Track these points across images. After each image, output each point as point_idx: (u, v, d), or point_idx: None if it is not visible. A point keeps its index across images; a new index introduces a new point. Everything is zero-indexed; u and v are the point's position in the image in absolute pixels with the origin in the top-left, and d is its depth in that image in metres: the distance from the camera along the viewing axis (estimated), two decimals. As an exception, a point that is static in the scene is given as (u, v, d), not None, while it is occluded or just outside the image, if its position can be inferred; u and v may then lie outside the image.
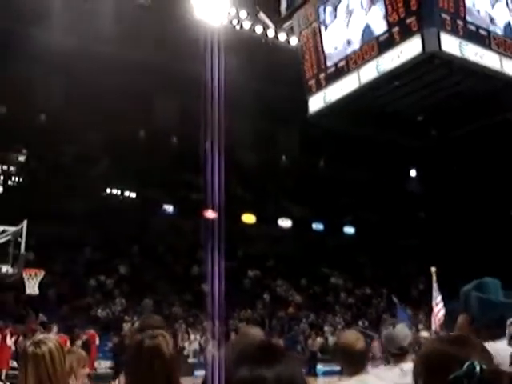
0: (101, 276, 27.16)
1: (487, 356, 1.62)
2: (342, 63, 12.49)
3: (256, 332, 4.23)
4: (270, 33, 18.00)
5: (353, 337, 4.01)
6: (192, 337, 23.10)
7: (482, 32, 11.21)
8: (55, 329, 17.50)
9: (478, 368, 1.52)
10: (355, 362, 3.83)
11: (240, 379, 1.14)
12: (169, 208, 32.46)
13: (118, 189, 31.77)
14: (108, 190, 31.63)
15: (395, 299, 15.95)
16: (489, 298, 3.32)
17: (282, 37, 17.88)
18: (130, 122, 29.29)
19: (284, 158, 37.34)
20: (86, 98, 27.45)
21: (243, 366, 1.16)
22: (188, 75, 25.55)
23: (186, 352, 22.41)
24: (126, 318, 23.81)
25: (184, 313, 26.45)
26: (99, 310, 24.86)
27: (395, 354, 4.14)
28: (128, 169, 30.29)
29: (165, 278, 28.59)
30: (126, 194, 31.96)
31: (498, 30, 11.63)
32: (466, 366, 1.53)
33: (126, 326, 21.45)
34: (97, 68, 25.27)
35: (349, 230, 38.10)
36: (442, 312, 13.08)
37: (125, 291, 26.72)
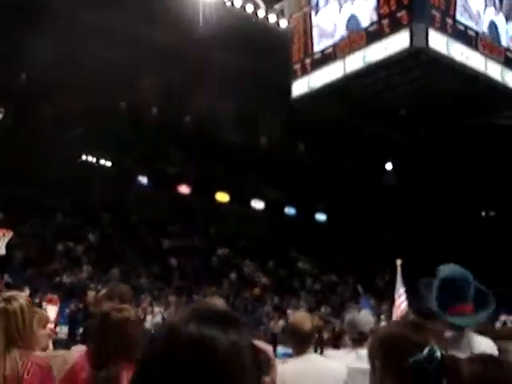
0: (70, 242, 26.98)
1: (444, 342, 1.64)
2: (329, 50, 12.52)
3: (218, 302, 4.28)
4: (261, 13, 17.85)
5: (302, 318, 4.12)
6: (156, 309, 23.10)
7: (471, 32, 11.30)
8: (27, 291, 17.40)
9: (438, 353, 1.55)
10: (302, 341, 3.94)
11: (187, 335, 1.09)
12: (143, 179, 32.31)
13: (93, 156, 31.52)
14: (84, 157, 31.35)
15: (360, 288, 16.14)
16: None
17: (272, 18, 17.76)
18: (111, 91, 28.92)
19: (264, 139, 37.27)
20: (69, 63, 27.04)
21: (192, 322, 1.11)
22: (174, 49, 25.34)
23: (147, 324, 22.45)
24: (92, 285, 23.74)
25: (150, 285, 26.44)
26: (65, 276, 24.72)
27: (355, 339, 4.22)
28: (105, 137, 30.01)
29: (134, 248, 28.52)
30: (102, 162, 31.72)
31: (487, 32, 11.71)
32: (426, 350, 1.55)
33: (91, 294, 21.38)
34: (83, 35, 24.91)
35: (320, 216, 38.33)
36: (405, 304, 13.24)
37: (92, 259, 26.59)
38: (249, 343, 1.16)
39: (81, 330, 15.03)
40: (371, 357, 1.74)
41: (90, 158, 31.53)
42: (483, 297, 3.08)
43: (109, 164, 31.84)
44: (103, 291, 3.91)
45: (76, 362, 3.10)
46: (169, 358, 1.10)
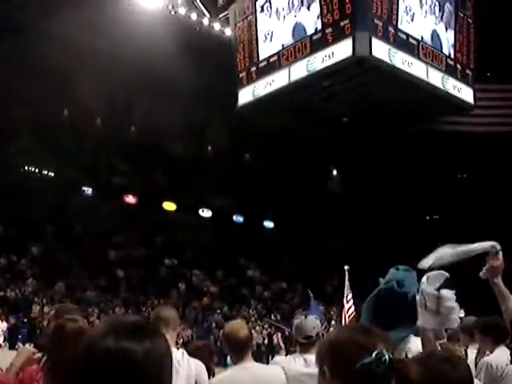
0: (13, 255, 26.27)
1: (391, 346, 1.66)
2: (274, 58, 12.58)
3: (168, 314, 4.24)
4: (205, 21, 17.84)
5: (237, 325, 4.12)
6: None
7: (412, 41, 11.54)
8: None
9: (386, 356, 1.56)
10: (239, 349, 3.94)
11: (104, 350, 1.12)
12: (88, 190, 31.77)
13: (36, 167, 30.80)
14: (26, 168, 30.61)
15: (311, 294, 16.22)
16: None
17: (217, 27, 17.78)
18: (55, 101, 28.42)
19: (210, 148, 37.22)
20: (11, 71, 26.47)
21: (109, 337, 1.14)
22: (118, 58, 25.08)
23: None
24: (36, 299, 23.19)
25: (97, 298, 25.97)
26: (8, 291, 24.04)
27: (302, 344, 4.24)
28: (49, 147, 29.42)
29: (79, 261, 27.99)
30: (45, 172, 31.03)
31: (428, 40, 11.99)
32: (374, 354, 1.56)
33: (36, 308, 20.94)
34: (25, 41, 24.44)
35: (268, 224, 38.45)
36: (353, 309, 13.42)
37: (36, 272, 25.96)
38: (165, 351, 1.19)
39: (28, 345, 14.91)
40: (320, 361, 1.73)
41: (33, 169, 30.78)
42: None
43: (51, 174, 31.17)
44: (52, 312, 3.84)
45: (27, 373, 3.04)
46: (88, 372, 1.13)
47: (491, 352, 4.59)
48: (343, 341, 1.67)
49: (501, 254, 3.08)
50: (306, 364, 4.03)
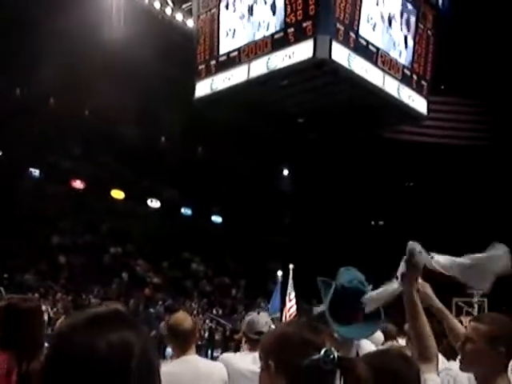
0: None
1: (336, 344, 1.69)
2: (235, 54, 12.57)
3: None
4: (168, 11, 17.70)
5: (181, 316, 4.10)
6: (43, 307, 22.29)
7: (372, 48, 11.71)
8: None
9: (334, 354, 1.58)
10: (182, 340, 3.90)
11: (72, 346, 1.10)
12: (35, 172, 31.07)
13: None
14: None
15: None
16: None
17: (179, 17, 17.67)
18: (6, 79, 27.69)
19: (163, 138, 36.93)
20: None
21: (75, 334, 1.12)
22: (77, 39, 24.60)
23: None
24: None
25: (37, 282, 25.46)
26: None
27: (252, 340, 4.24)
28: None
29: (21, 244, 27.35)
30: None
31: (387, 48, 12.17)
32: (323, 351, 1.58)
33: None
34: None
35: (217, 219, 38.41)
36: (294, 308, 13.52)
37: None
38: (144, 341, 1.15)
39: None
40: (264, 355, 1.73)
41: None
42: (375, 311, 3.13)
43: (-1, 153, 30.36)
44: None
45: None
46: (62, 368, 1.10)
47: None
48: (291, 336, 1.67)
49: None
50: (254, 361, 4.03)
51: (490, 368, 2.60)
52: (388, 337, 5.89)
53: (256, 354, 4.10)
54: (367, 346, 3.45)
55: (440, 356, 4.49)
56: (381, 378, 2.17)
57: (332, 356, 1.58)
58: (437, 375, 2.50)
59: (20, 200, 29.16)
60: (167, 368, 3.92)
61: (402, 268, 2.75)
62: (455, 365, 4.50)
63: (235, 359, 4.22)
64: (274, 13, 11.70)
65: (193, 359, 3.95)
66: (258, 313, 4.42)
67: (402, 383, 2.14)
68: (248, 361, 4.07)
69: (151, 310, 27.33)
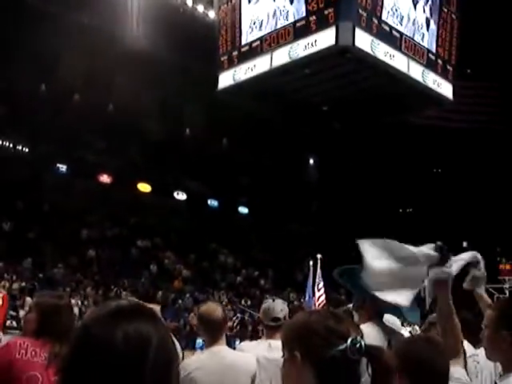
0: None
1: (361, 333, 1.67)
2: (257, 43, 12.50)
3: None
4: (189, 2, 17.70)
5: (212, 306, 4.10)
6: (73, 301, 22.56)
7: (395, 33, 11.55)
8: None
9: (361, 343, 1.56)
10: (213, 330, 3.91)
11: (90, 338, 1.14)
12: (62, 167, 31.41)
13: (11, 142, 30.28)
14: (1, 142, 30.09)
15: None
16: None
17: (201, 8, 17.65)
18: (32, 75, 27.98)
19: (188, 131, 37.04)
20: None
21: (94, 326, 1.15)
22: (100, 35, 24.72)
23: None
24: (6, 276, 22.93)
25: (67, 277, 25.79)
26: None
27: (269, 327, 4.24)
28: (25, 122, 29.00)
29: (50, 238, 27.70)
30: (19, 147, 30.55)
31: (411, 34, 12.01)
32: (350, 340, 1.56)
33: (6, 285, 20.77)
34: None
35: (243, 210, 38.45)
36: (323, 297, 13.50)
37: (5, 249, 25.64)
38: (162, 334, 1.18)
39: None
40: (289, 345, 1.70)
41: (7, 143, 30.26)
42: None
43: (26, 150, 30.72)
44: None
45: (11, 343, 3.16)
46: (80, 358, 1.13)
47: None
48: (315, 325, 1.66)
49: (482, 264, 3.10)
50: (269, 348, 4.03)
51: (502, 353, 2.58)
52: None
53: (272, 341, 4.11)
54: (370, 334, 3.44)
55: (466, 343, 4.48)
56: (408, 366, 2.19)
57: (359, 345, 1.56)
58: (462, 368, 2.52)
59: (48, 195, 29.54)
60: (196, 357, 3.94)
61: (436, 274, 2.77)
62: (482, 351, 4.51)
63: (249, 347, 4.24)
64: (291, 2, 11.61)
65: (222, 350, 3.95)
66: (274, 300, 4.42)
67: (430, 370, 2.16)
68: (263, 348, 4.09)
69: (180, 302, 27.53)
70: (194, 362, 3.89)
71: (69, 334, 3.12)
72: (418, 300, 3.28)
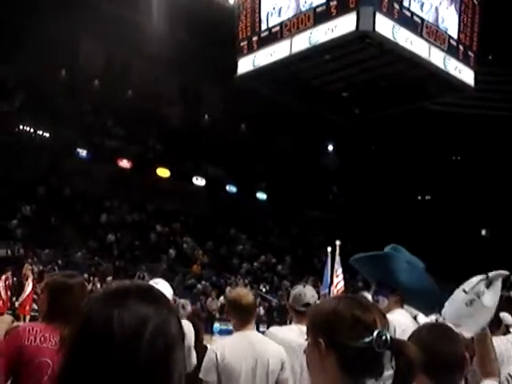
0: (3, 215, 26.20)
1: (387, 323, 1.64)
2: (277, 29, 12.45)
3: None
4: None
5: (243, 291, 4.12)
6: (94, 286, 22.81)
7: (416, 19, 11.44)
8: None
9: (387, 336, 1.55)
10: (243, 315, 3.92)
11: (89, 319, 1.12)
12: (82, 152, 31.59)
13: (32, 127, 30.48)
14: (21, 127, 30.29)
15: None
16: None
17: (220, -6, 17.55)
18: (52, 61, 28.11)
19: (207, 116, 37.06)
20: (9, 28, 26.22)
21: (94, 306, 1.14)
22: (119, 22, 24.76)
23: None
24: (30, 260, 23.19)
25: (87, 261, 26.05)
26: (-1, 249, 24.07)
27: (300, 313, 4.24)
28: (45, 108, 29.18)
29: (70, 223, 27.97)
30: (40, 132, 30.75)
31: (432, 19, 11.88)
32: (376, 333, 1.54)
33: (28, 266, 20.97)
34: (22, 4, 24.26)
35: (261, 195, 38.45)
36: (342, 284, 13.49)
37: (26, 233, 25.94)
38: (163, 317, 1.16)
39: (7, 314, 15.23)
40: (314, 331, 1.69)
41: (28, 129, 30.46)
42: None
43: (47, 135, 30.92)
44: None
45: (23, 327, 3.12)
46: (80, 338, 1.12)
47: None
48: (342, 314, 1.62)
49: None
50: (300, 333, 4.02)
51: None
52: None
53: (302, 327, 4.12)
54: (401, 324, 3.45)
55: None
56: (425, 357, 2.18)
57: (384, 338, 1.54)
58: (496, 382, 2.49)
59: (68, 180, 29.78)
60: (228, 341, 3.93)
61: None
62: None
63: (282, 332, 4.24)
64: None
65: (254, 334, 3.98)
66: (304, 286, 4.42)
67: (439, 357, 2.15)
68: (295, 333, 4.09)
69: (199, 287, 27.69)
70: (226, 346, 3.88)
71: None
72: (435, 303, 3.33)
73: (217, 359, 3.72)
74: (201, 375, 3.76)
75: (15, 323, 3.40)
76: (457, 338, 2.26)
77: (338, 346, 1.59)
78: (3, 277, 16.92)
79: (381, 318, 1.62)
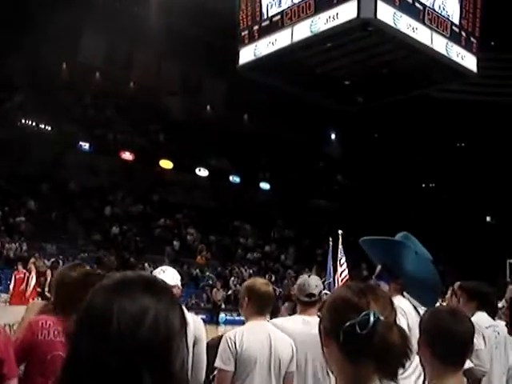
0: (6, 209, 26.27)
1: (389, 309, 1.61)
2: (277, 18, 12.36)
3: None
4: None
5: (261, 281, 4.09)
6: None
7: (418, 5, 11.35)
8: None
9: (372, 318, 1.52)
10: (260, 305, 3.88)
11: (89, 310, 1.14)
12: (85, 145, 31.60)
13: (34, 121, 30.47)
14: (24, 121, 30.29)
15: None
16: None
17: (220, -17, 17.49)
18: (53, 55, 28.09)
19: (209, 107, 37.00)
20: (10, 22, 26.17)
21: (95, 297, 1.16)
22: (119, 12, 24.73)
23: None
24: (37, 255, 23.23)
25: (92, 253, 26.11)
26: (6, 245, 24.11)
27: (304, 303, 4.22)
28: (47, 101, 29.17)
29: (74, 215, 28.03)
30: (42, 126, 30.75)
31: (434, 5, 11.79)
32: (361, 315, 1.53)
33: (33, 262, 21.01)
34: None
35: (265, 185, 38.44)
36: (345, 273, 13.50)
37: (31, 227, 26.00)
38: (163, 307, 1.17)
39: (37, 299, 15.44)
40: (321, 320, 1.72)
41: (30, 123, 30.44)
42: None
43: (49, 129, 30.91)
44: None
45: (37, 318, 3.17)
46: (80, 328, 1.15)
47: (472, 315, 4.71)
48: (338, 300, 1.65)
49: None
50: (304, 324, 4.01)
51: None
52: None
53: (305, 317, 4.10)
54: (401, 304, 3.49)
55: (485, 315, 4.53)
56: (428, 335, 2.28)
57: (369, 320, 1.51)
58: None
59: (71, 173, 29.81)
60: (242, 329, 3.88)
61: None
62: (501, 323, 4.60)
63: (287, 323, 4.21)
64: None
65: (266, 324, 3.94)
66: (309, 276, 4.40)
67: (449, 339, 2.23)
68: (299, 323, 4.07)
69: (203, 277, 27.76)
70: (244, 334, 3.81)
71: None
72: (435, 298, 3.37)
73: (235, 347, 3.67)
74: (217, 364, 3.70)
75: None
76: (468, 321, 2.35)
77: (333, 331, 1.59)
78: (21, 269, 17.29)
79: (379, 302, 1.59)
